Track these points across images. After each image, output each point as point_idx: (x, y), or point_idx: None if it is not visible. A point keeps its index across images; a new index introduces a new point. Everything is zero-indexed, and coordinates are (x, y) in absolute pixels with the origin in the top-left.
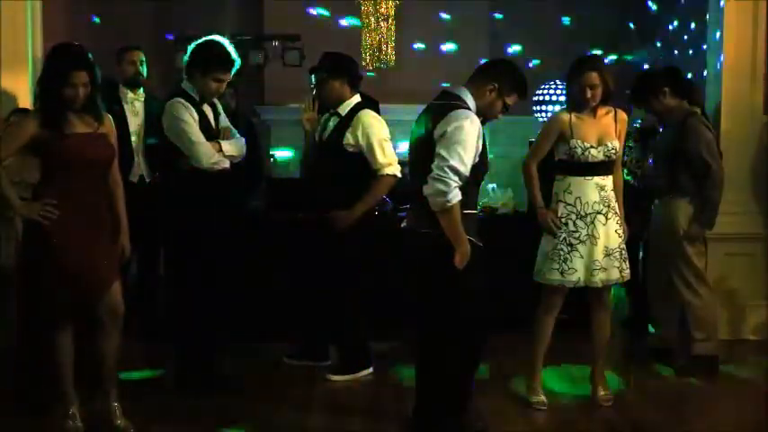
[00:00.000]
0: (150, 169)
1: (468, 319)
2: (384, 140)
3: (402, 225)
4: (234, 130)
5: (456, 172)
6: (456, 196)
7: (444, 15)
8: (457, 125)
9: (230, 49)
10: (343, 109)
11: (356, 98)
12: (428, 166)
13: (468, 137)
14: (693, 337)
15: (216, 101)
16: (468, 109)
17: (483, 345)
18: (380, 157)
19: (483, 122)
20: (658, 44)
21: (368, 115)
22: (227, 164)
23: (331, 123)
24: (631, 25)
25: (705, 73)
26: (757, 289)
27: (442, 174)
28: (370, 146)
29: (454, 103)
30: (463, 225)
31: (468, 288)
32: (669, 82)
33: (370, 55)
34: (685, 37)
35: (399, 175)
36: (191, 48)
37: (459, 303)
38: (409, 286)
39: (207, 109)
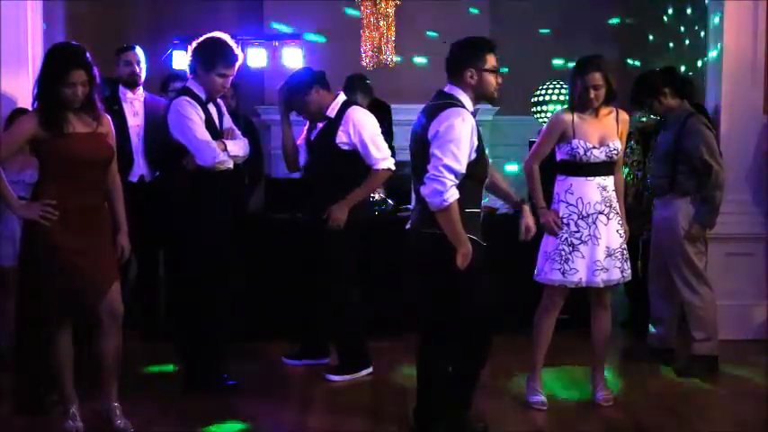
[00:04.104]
0: (151, 169)
1: (471, 319)
2: (376, 135)
3: (406, 226)
4: (237, 131)
5: (451, 170)
6: (453, 195)
7: (444, 14)
8: (448, 124)
9: (232, 44)
10: (332, 111)
11: (341, 97)
12: (426, 167)
13: (460, 135)
14: (693, 337)
15: (220, 101)
16: (461, 106)
17: (487, 345)
18: (375, 153)
19: (491, 101)
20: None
21: (357, 112)
22: (230, 164)
23: (319, 124)
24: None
25: (705, 73)
26: (757, 289)
27: (437, 173)
28: (363, 143)
29: (447, 102)
30: (466, 224)
31: (471, 288)
32: (669, 82)
33: (370, 55)
34: (685, 33)
35: (393, 168)
36: (193, 46)
37: (461, 304)
38: (412, 286)
39: (212, 108)
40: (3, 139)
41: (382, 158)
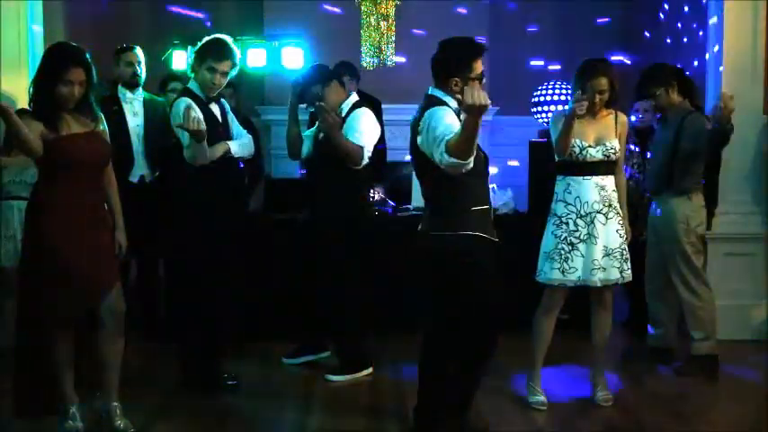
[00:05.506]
0: (152, 169)
1: (477, 320)
2: (367, 134)
3: (418, 227)
4: (243, 130)
5: (440, 139)
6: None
7: (444, 14)
8: (428, 120)
9: (227, 40)
10: (343, 109)
11: (353, 97)
12: (425, 169)
13: (439, 118)
14: (692, 336)
15: (224, 99)
16: (446, 105)
17: (490, 346)
18: (355, 135)
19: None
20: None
21: (362, 113)
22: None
23: None
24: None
25: (705, 73)
26: (757, 289)
27: (437, 148)
28: (350, 128)
29: (430, 103)
30: (474, 222)
31: (477, 289)
32: (677, 78)
33: (370, 55)
34: (681, 32)
35: (368, 154)
36: (194, 48)
37: (468, 305)
38: (418, 286)
39: (214, 107)
40: (23, 138)
41: (361, 142)
